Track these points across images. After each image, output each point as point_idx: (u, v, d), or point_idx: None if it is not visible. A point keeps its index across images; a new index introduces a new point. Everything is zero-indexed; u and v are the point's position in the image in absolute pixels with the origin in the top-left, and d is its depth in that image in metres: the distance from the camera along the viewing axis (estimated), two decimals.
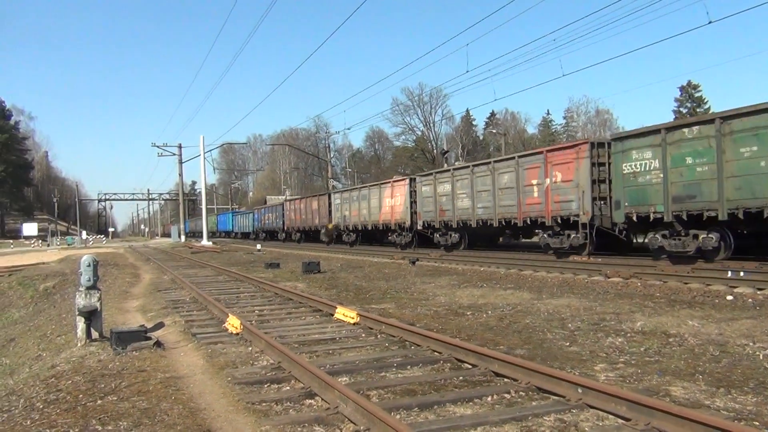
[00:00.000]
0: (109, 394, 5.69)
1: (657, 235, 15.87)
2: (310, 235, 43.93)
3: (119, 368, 6.82)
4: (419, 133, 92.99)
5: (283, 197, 67.74)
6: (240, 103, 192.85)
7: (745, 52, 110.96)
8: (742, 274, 12.41)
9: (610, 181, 17.51)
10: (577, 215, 18.18)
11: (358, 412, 4.69)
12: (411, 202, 28.63)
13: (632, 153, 16.04)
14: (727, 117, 13.74)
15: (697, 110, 75.58)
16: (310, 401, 5.39)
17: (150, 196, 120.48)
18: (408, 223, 28.73)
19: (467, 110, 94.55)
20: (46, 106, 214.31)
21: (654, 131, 15.61)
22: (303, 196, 54.93)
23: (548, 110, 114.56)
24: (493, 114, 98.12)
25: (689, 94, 78.51)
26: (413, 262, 20.43)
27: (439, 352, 6.96)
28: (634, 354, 6.78)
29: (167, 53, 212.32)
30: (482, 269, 17.63)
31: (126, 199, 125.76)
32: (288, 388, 5.86)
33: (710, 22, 18.65)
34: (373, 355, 7.20)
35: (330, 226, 38.36)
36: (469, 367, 6.35)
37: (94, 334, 8.71)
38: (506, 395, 5.33)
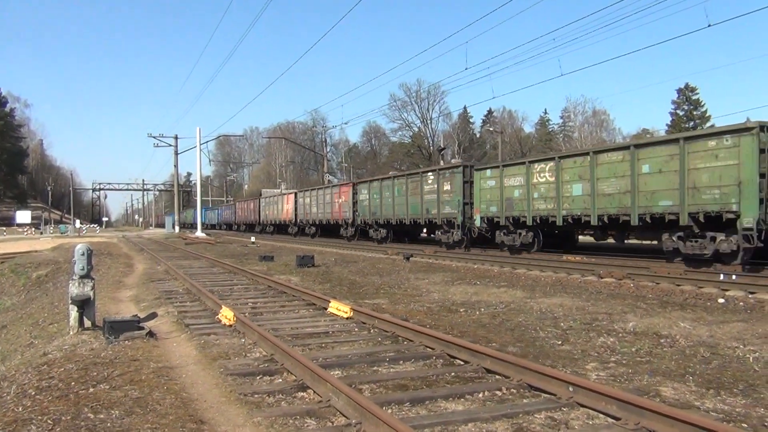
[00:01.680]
0: (101, 383, 5.69)
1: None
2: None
3: (112, 357, 6.82)
4: (416, 129, 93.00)
5: (278, 190, 67.76)
6: (237, 96, 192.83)
7: (743, 56, 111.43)
8: (734, 277, 12.48)
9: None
10: None
11: (350, 406, 4.71)
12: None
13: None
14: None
15: (694, 113, 75.84)
16: (302, 394, 5.40)
17: (145, 187, 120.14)
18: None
19: (465, 107, 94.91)
20: (42, 94, 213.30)
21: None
22: (245, 198, 71.07)
23: (545, 109, 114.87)
24: (490, 112, 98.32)
25: (686, 97, 78.71)
26: (407, 258, 20.46)
27: (432, 348, 6.98)
28: (625, 354, 6.82)
29: (166, 44, 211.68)
30: (476, 266, 17.67)
31: (121, 189, 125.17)
32: (280, 380, 5.87)
33: (709, 26, 18.82)
34: (365, 349, 7.22)
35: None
36: (462, 363, 6.38)
37: (87, 323, 8.70)
38: (498, 392, 5.36)
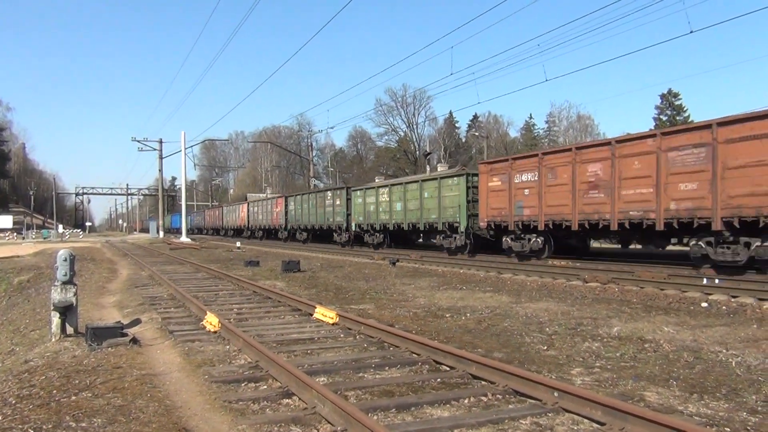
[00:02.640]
0: (83, 391, 5.63)
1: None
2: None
3: (94, 364, 6.74)
4: (402, 134, 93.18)
5: (264, 195, 67.50)
6: (223, 99, 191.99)
7: (724, 62, 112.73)
8: (717, 281, 12.60)
9: None
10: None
11: (336, 413, 4.69)
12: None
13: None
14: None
15: (677, 118, 76.61)
16: (287, 401, 5.37)
17: (129, 191, 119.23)
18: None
19: (450, 112, 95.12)
20: (24, 98, 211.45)
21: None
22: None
23: (531, 114, 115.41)
24: (476, 117, 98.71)
25: (669, 102, 79.59)
26: (393, 263, 20.46)
27: (418, 354, 6.98)
28: (610, 359, 6.86)
29: (150, 47, 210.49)
30: (462, 271, 17.69)
31: (104, 194, 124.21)
32: (265, 387, 5.84)
33: (691, 32, 18.99)
34: (351, 355, 7.19)
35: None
36: (447, 369, 6.38)
37: (69, 330, 8.61)
38: (483, 398, 5.36)
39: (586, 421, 4.71)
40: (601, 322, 9.09)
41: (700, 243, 14.51)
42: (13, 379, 6.42)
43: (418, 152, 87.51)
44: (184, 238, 50.34)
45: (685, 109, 79.10)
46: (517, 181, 20.01)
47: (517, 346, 7.61)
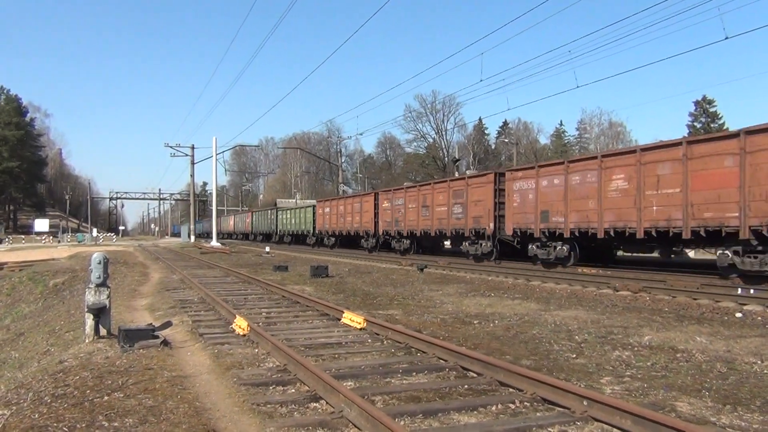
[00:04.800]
0: (115, 391, 5.74)
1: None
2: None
3: (126, 366, 6.86)
4: (431, 140, 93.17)
5: (294, 201, 68.13)
6: (253, 106, 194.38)
7: (760, 69, 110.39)
8: (752, 291, 12.33)
9: None
10: None
11: (363, 417, 4.70)
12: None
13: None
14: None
15: (711, 125, 75.23)
16: (315, 405, 5.40)
17: (161, 196, 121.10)
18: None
19: (480, 119, 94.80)
20: (61, 104, 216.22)
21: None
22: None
23: (561, 121, 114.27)
24: (505, 123, 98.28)
25: (704, 109, 78.20)
26: (421, 269, 20.43)
27: (445, 360, 6.96)
28: (640, 368, 6.76)
29: (183, 54, 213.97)
30: (490, 278, 17.60)
31: (137, 198, 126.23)
32: (293, 390, 5.88)
33: (726, 38, 18.67)
34: (378, 360, 7.20)
35: None
36: (475, 375, 6.35)
37: (103, 331, 8.76)
38: (511, 405, 5.33)
39: (615, 430, 4.64)
40: (632, 331, 8.96)
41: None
42: (48, 378, 6.57)
43: (446, 159, 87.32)
44: (214, 243, 50.92)
45: (720, 116, 77.67)
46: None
47: (546, 354, 7.54)
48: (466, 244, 24.60)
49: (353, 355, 7.52)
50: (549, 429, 4.72)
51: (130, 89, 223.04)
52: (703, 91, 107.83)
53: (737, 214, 13.81)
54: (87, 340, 8.60)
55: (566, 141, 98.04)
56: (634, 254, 20.38)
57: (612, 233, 17.24)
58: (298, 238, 50.12)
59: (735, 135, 14.10)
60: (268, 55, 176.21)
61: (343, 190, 64.66)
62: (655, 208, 15.87)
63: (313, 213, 44.82)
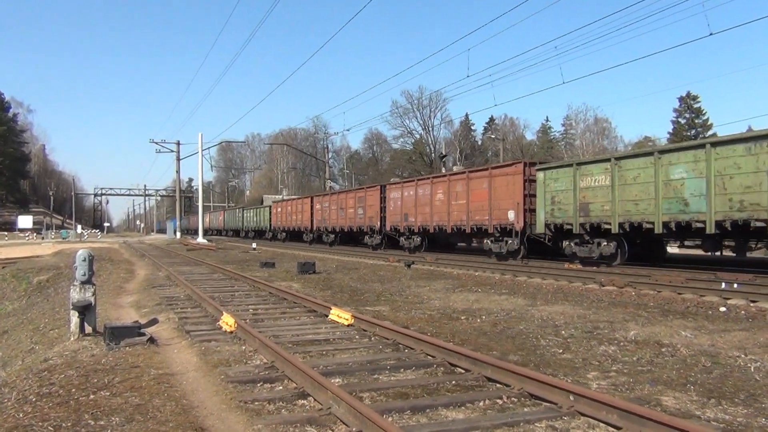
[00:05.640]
0: (101, 389, 5.70)
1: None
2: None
3: (112, 363, 6.82)
4: (418, 136, 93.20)
5: (281, 196, 67.93)
6: (239, 102, 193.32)
7: (744, 65, 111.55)
8: (735, 285, 12.46)
9: None
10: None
11: (351, 414, 4.71)
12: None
13: None
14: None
15: (696, 121, 75.92)
16: (302, 401, 5.40)
17: (146, 192, 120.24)
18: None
19: (466, 115, 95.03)
20: (45, 100, 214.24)
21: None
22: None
23: (547, 117, 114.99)
24: (492, 119, 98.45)
25: (688, 105, 78.85)
26: (408, 265, 20.46)
27: (433, 356, 6.98)
28: (626, 363, 6.81)
29: (168, 49, 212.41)
30: (477, 274, 17.66)
31: (122, 195, 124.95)
32: (281, 387, 5.87)
33: (711, 34, 18.82)
34: (366, 357, 7.21)
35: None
36: (462, 371, 6.37)
37: (88, 329, 8.70)
38: (498, 401, 5.35)
39: (602, 425, 4.68)
40: (618, 326, 9.03)
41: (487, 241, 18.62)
42: (33, 377, 6.51)
43: (433, 154, 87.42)
44: (200, 239, 50.70)
45: (704, 112, 78.38)
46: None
47: (533, 349, 7.58)
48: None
49: (341, 352, 7.52)
50: (536, 424, 4.74)
51: (115, 84, 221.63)
52: (688, 87, 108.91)
53: (488, 218, 21.50)
54: (72, 338, 8.53)
55: (552, 137, 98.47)
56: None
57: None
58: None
59: (486, 169, 17.22)
60: (255, 51, 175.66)
61: (330, 186, 64.52)
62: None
63: (269, 212, 48.82)
